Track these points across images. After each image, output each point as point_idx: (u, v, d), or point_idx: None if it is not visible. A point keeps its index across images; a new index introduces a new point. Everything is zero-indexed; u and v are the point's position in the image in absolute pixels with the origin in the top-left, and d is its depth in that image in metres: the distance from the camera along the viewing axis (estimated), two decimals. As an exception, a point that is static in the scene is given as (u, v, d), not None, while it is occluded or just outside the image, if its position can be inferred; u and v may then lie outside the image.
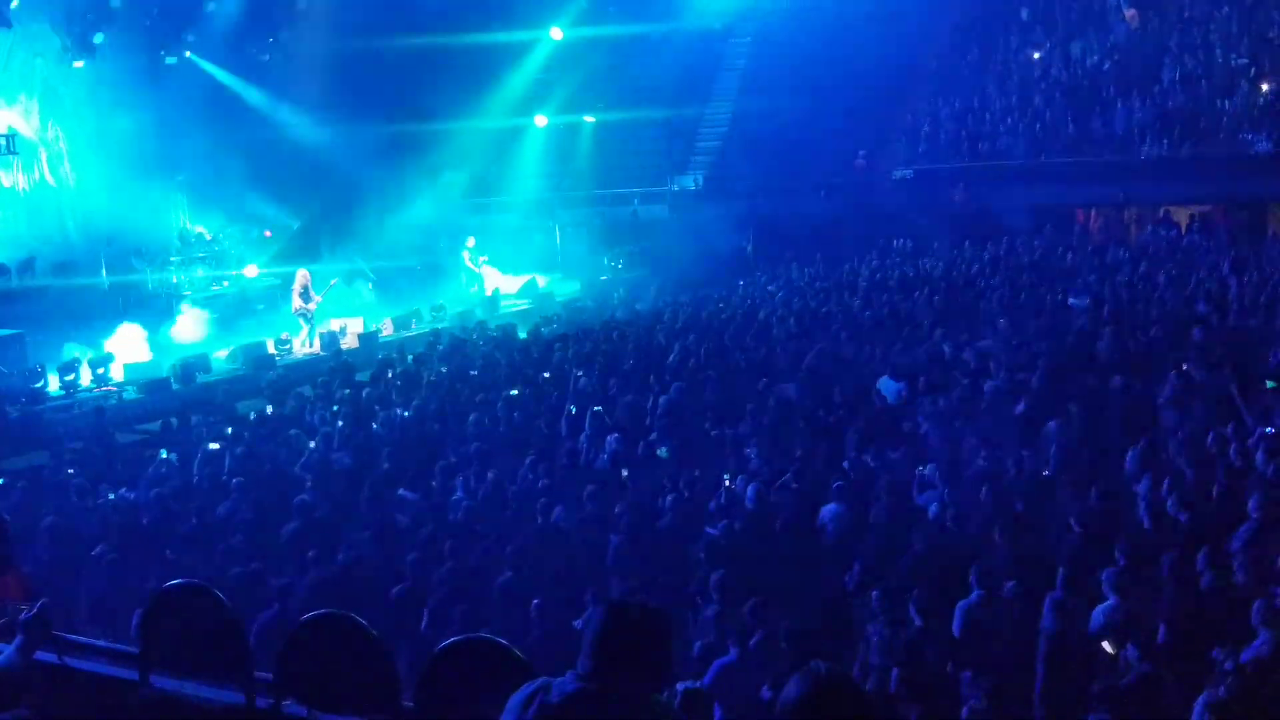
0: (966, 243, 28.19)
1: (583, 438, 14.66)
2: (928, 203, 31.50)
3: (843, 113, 33.14)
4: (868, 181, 32.94)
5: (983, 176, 31.84)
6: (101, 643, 4.62)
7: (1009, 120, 32.98)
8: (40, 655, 4.46)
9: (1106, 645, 8.29)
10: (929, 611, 8.95)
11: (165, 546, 11.47)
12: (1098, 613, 8.65)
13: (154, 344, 23.00)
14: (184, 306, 24.79)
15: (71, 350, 21.52)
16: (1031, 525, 10.41)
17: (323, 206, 28.64)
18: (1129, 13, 34.11)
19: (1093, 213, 30.80)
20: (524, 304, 28.52)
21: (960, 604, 9.05)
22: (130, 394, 20.45)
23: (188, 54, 28.47)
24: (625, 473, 13.25)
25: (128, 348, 22.41)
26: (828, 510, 11.24)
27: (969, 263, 25.39)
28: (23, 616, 4.50)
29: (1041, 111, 32.77)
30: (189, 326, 24.36)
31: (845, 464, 12.69)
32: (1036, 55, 35.17)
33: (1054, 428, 12.78)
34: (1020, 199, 30.73)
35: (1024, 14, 36.33)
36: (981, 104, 34.16)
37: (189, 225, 28.47)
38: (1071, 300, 19.76)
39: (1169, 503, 10.25)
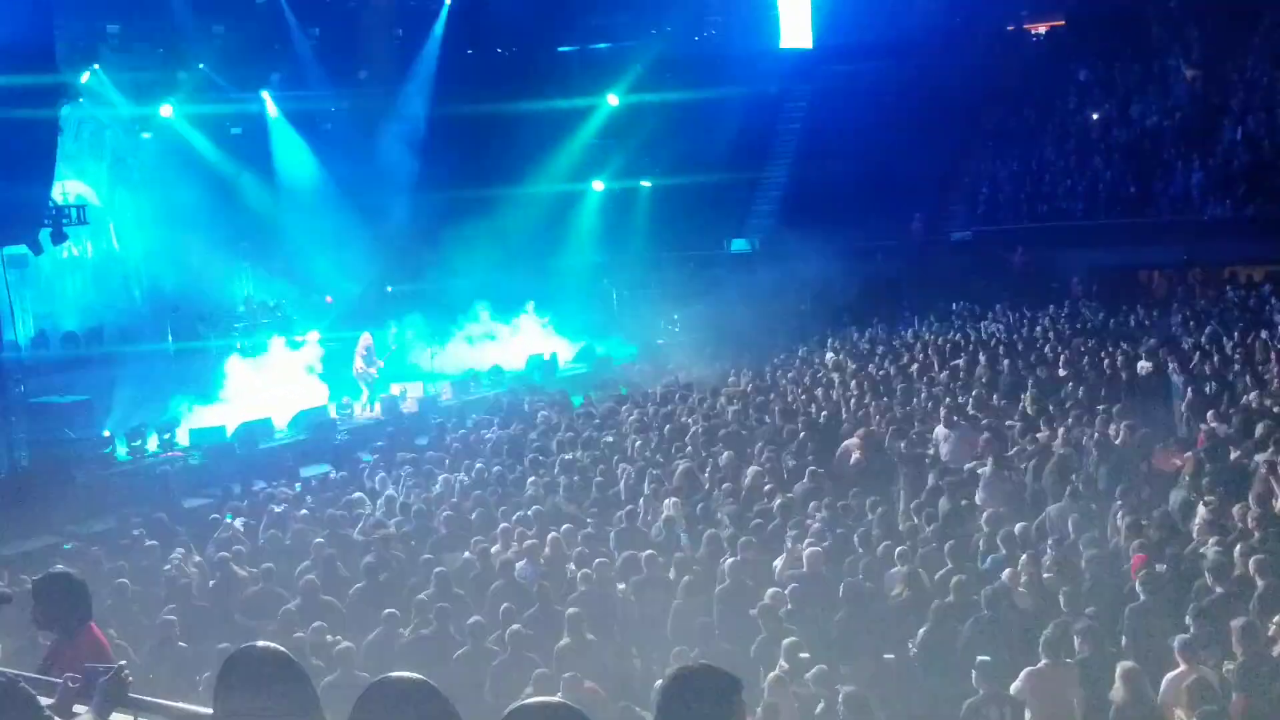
0: (1025, 306, 27.95)
1: (641, 501, 14.67)
2: (986, 265, 31.34)
3: (899, 175, 33.10)
4: (925, 244, 32.85)
5: (1042, 238, 31.62)
6: (176, 704, 4.67)
7: (1068, 181, 32.78)
8: (116, 716, 4.52)
9: (1179, 713, 8.14)
10: (993, 678, 8.84)
11: (230, 609, 11.57)
12: (1168, 680, 8.51)
13: (217, 410, 23.26)
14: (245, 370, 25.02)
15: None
16: (1099, 592, 10.25)
17: (384, 271, 28.92)
18: (1189, 72, 33.92)
19: (1155, 274, 30.48)
20: (582, 367, 28.59)
21: (1027, 669, 8.93)
22: (195, 459, 20.69)
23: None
24: (684, 537, 13.22)
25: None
26: (891, 574, 11.15)
27: (1030, 325, 25.17)
28: (101, 679, 4.56)
29: (1101, 172, 32.56)
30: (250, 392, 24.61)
31: (903, 526, 12.60)
32: (1095, 116, 34.98)
33: (1120, 494, 12.65)
34: (1080, 261, 30.50)
35: (1082, 75, 36.22)
36: (1040, 165, 34.00)
37: (252, 292, 28.88)
38: (1140, 364, 19.46)
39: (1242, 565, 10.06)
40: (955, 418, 16.31)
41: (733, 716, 3.62)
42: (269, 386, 24.03)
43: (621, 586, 11.59)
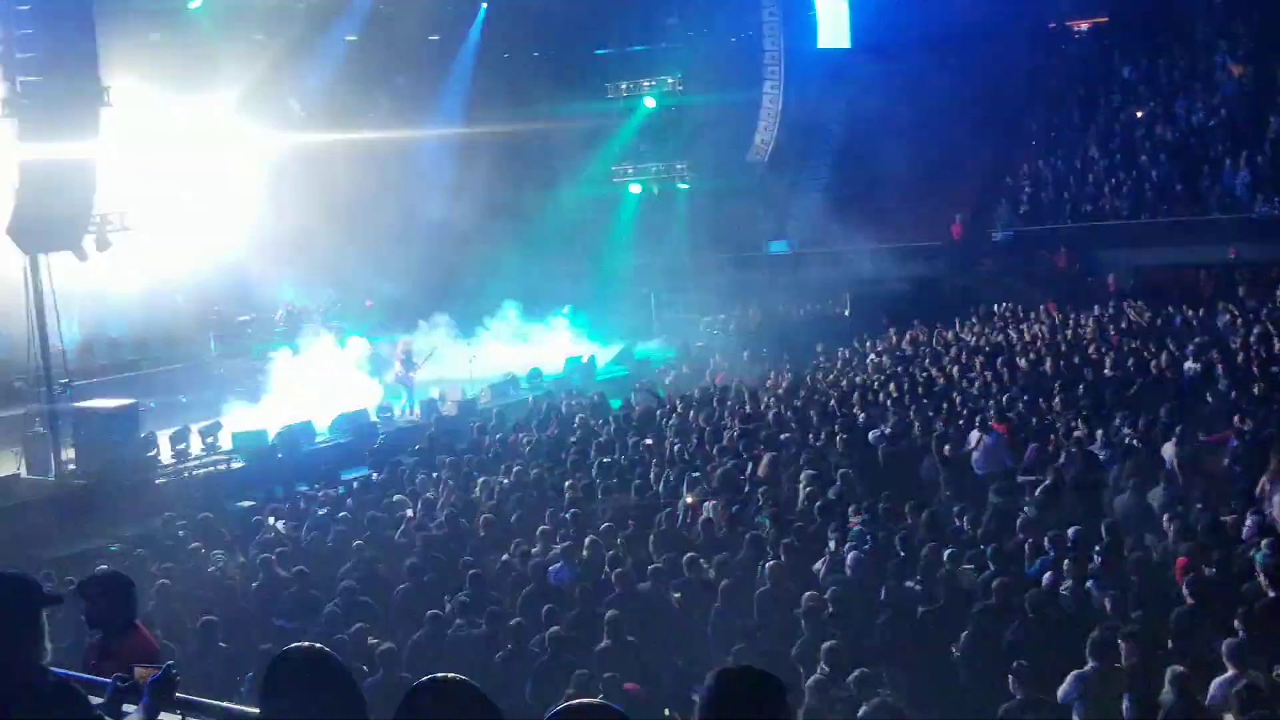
0: (1068, 306, 27.71)
1: (680, 504, 14.65)
2: (1029, 266, 31.11)
3: (941, 175, 32.91)
4: (967, 244, 32.64)
5: (1085, 238, 31.36)
6: (224, 704, 4.70)
7: (1112, 180, 32.45)
8: (164, 716, 4.56)
9: (1229, 718, 8.04)
10: (1029, 683, 8.75)
11: (273, 611, 11.64)
12: (1216, 685, 8.40)
13: (259, 413, 23.42)
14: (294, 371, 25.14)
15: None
16: (1143, 597, 10.14)
17: (424, 275, 29.03)
18: (1235, 68, 33.53)
19: (1202, 273, 30.12)
20: (620, 370, 28.59)
21: (1075, 673, 8.84)
22: (238, 462, 20.85)
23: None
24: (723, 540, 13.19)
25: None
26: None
27: (1074, 327, 24.94)
28: (150, 679, 4.60)
29: (1146, 170, 32.23)
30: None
31: (950, 530, 12.52)
32: (1140, 113, 34.64)
33: (1164, 494, 12.52)
34: (1125, 260, 30.22)
35: (1126, 71, 35.91)
36: (1084, 164, 33.70)
37: (293, 296, 29.05)
38: (1187, 365, 19.25)
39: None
40: (990, 422, 16.15)
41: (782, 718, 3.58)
42: (320, 387, 24.12)
43: (661, 589, 11.56)
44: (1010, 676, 8.78)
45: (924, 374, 21.19)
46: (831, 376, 22.81)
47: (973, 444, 15.69)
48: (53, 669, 4.56)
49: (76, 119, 19.39)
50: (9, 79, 19.26)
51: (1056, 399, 17.59)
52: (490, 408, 24.27)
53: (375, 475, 18.79)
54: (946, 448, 15.73)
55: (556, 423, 21.16)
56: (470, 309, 28.99)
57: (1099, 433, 15.44)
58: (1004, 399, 17.87)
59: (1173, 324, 24.14)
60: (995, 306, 28.90)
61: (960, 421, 17.09)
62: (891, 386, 19.98)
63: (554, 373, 27.27)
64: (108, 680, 4.91)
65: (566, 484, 15.80)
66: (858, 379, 21.84)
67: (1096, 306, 27.17)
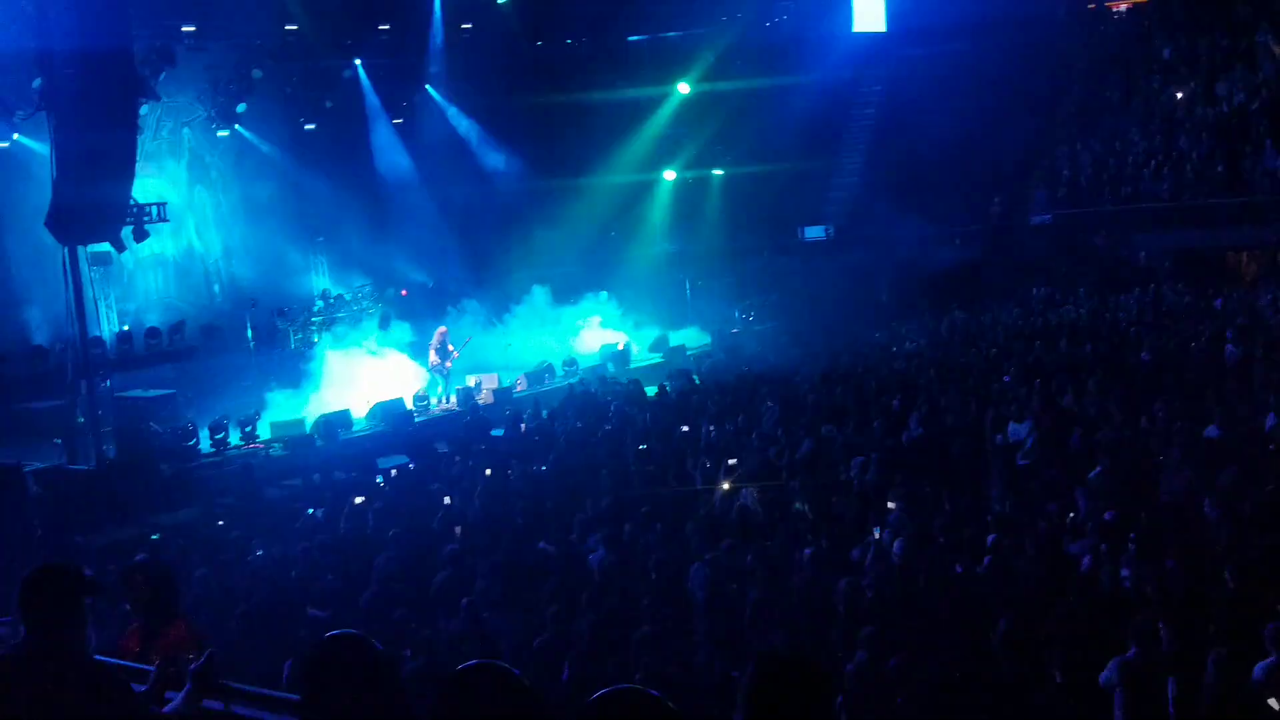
0: (1108, 290, 27.47)
1: (717, 491, 14.60)
2: (1068, 249, 30.84)
3: (978, 159, 32.64)
4: (1005, 228, 32.38)
5: (1125, 221, 31.05)
6: (265, 691, 4.70)
7: (1152, 162, 32.10)
8: (207, 703, 4.56)
9: (1272, 702, 7.94)
10: (1071, 668, 8.67)
11: (312, 599, 11.68)
12: (1259, 669, 8.30)
13: (297, 402, 23.53)
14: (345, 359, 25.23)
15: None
16: (1187, 581, 10.02)
17: (458, 263, 29.08)
18: (1277, 49, 33.05)
19: (1244, 256, 29.76)
20: (656, 357, 28.55)
21: (1117, 659, 8.75)
22: (276, 451, 20.96)
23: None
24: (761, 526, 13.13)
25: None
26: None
27: (1114, 310, 24.70)
28: (192, 666, 4.60)
29: (1186, 152, 31.86)
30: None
31: (990, 516, 12.41)
32: (1180, 94, 34.21)
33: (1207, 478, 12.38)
34: (1165, 243, 29.91)
35: (1166, 52, 35.46)
36: (1123, 146, 33.35)
37: (329, 286, 29.19)
38: (1229, 348, 19.02)
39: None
40: (1036, 409, 16.00)
41: (826, 705, 3.56)
42: (358, 375, 24.21)
43: (698, 576, 11.52)
44: (1050, 661, 8.71)
45: (963, 360, 21.04)
46: (870, 362, 22.63)
47: (1022, 434, 15.49)
48: (96, 656, 4.57)
49: (113, 110, 19.49)
50: (45, 72, 19.40)
51: (1092, 383, 17.42)
52: (526, 396, 24.31)
53: (412, 464, 18.86)
54: (996, 435, 15.57)
55: (592, 411, 21.14)
56: (503, 296, 28.97)
57: (1140, 416, 15.27)
58: (1049, 384, 17.62)
59: (1213, 307, 23.88)
60: (1034, 290, 28.70)
61: (999, 408, 16.93)
62: (932, 372, 19.83)
63: (589, 360, 27.24)
64: (150, 667, 4.92)
65: (603, 472, 15.79)
66: (896, 364, 21.68)
67: (1137, 290, 26.92)
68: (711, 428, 17.74)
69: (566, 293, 29.94)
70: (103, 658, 4.70)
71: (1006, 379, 18.21)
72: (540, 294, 29.53)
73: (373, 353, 25.19)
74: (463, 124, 33.05)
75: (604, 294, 30.96)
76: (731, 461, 15.38)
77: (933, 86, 33.96)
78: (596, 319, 29.83)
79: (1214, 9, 35.34)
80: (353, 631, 4.16)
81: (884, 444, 15.78)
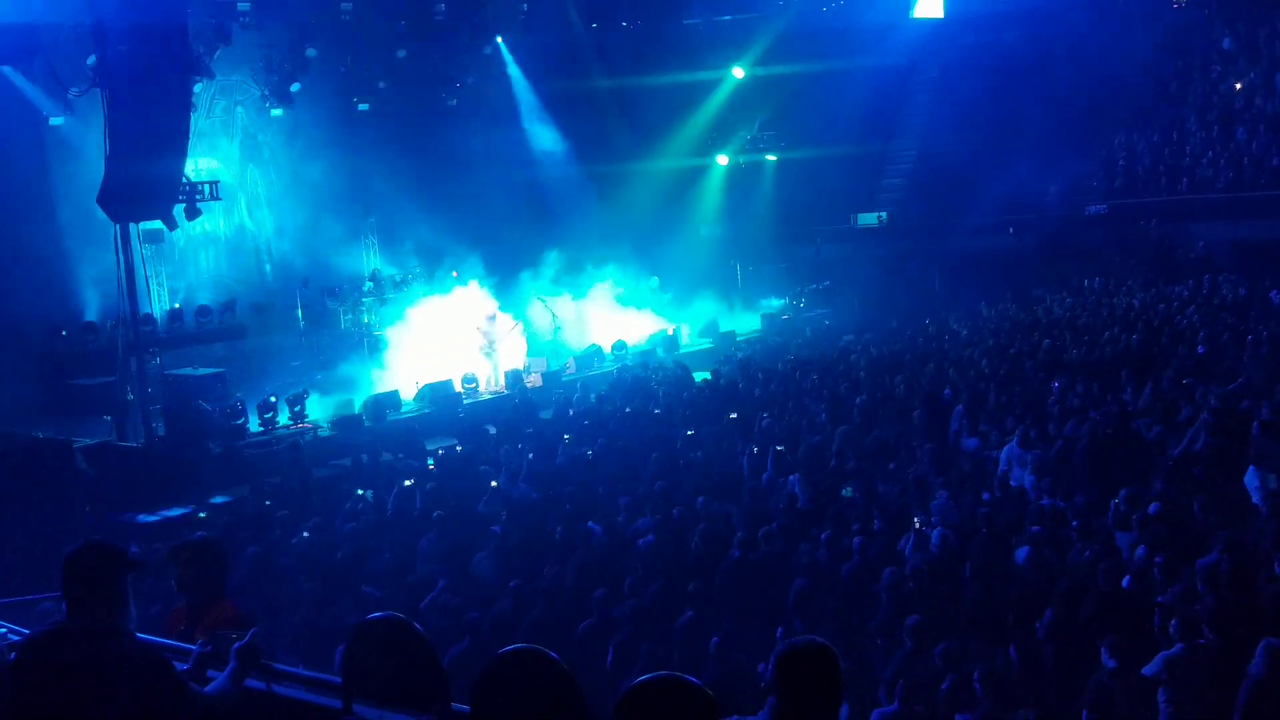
0: (1161, 281, 27.02)
1: (764, 477, 14.44)
2: (1123, 239, 30.39)
3: (1033, 147, 32.19)
4: (1060, 217, 31.94)
5: (1182, 211, 30.55)
6: (307, 672, 4.63)
7: (1210, 153, 31.59)
8: (249, 683, 4.49)
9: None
10: (1123, 653, 8.49)
11: (360, 580, 11.64)
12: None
13: (347, 382, 23.58)
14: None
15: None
16: (1234, 575, 9.78)
17: (511, 245, 29.01)
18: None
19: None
20: (706, 343, 28.41)
21: (1163, 654, 8.55)
22: (324, 431, 20.99)
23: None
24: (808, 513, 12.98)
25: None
26: (1020, 554, 10.80)
27: (1168, 301, 24.26)
28: (236, 645, 4.53)
29: (1245, 143, 31.31)
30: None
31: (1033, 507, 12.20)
32: (1239, 85, 33.62)
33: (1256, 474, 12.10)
34: (1222, 234, 29.39)
35: (1226, 43, 34.86)
36: (1181, 136, 32.83)
37: (380, 266, 29.25)
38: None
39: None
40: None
41: (839, 688, 3.82)
42: (411, 354, 24.26)
43: (745, 563, 11.37)
44: (1103, 649, 8.55)
45: (1013, 349, 20.70)
46: (921, 351, 22.35)
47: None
48: (139, 634, 4.50)
49: (168, 88, 19.54)
50: (100, 49, 19.47)
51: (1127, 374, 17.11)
52: (575, 379, 24.25)
53: (460, 445, 18.82)
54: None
55: (641, 395, 21.04)
56: (553, 280, 28.87)
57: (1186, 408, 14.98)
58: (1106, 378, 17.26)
59: (1270, 299, 23.39)
60: (1085, 281, 28.31)
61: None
62: (985, 363, 19.54)
63: (639, 345, 27.14)
64: (193, 646, 4.86)
65: (651, 456, 15.68)
66: (948, 353, 21.40)
67: (1192, 281, 26.46)
68: (764, 414, 17.58)
69: (618, 278, 29.73)
70: (146, 636, 4.63)
71: (1055, 385, 17.69)
72: (591, 279, 29.37)
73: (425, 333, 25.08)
74: (519, 106, 32.98)
75: (655, 279, 30.87)
76: (779, 448, 15.21)
77: (989, 74, 33.60)
78: (648, 303, 29.66)
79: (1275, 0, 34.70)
80: (394, 614, 4.15)
81: (929, 431, 15.60)
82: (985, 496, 12.93)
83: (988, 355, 20.20)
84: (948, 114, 34.91)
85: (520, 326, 25.53)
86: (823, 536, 11.63)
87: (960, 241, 30.46)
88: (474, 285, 26.21)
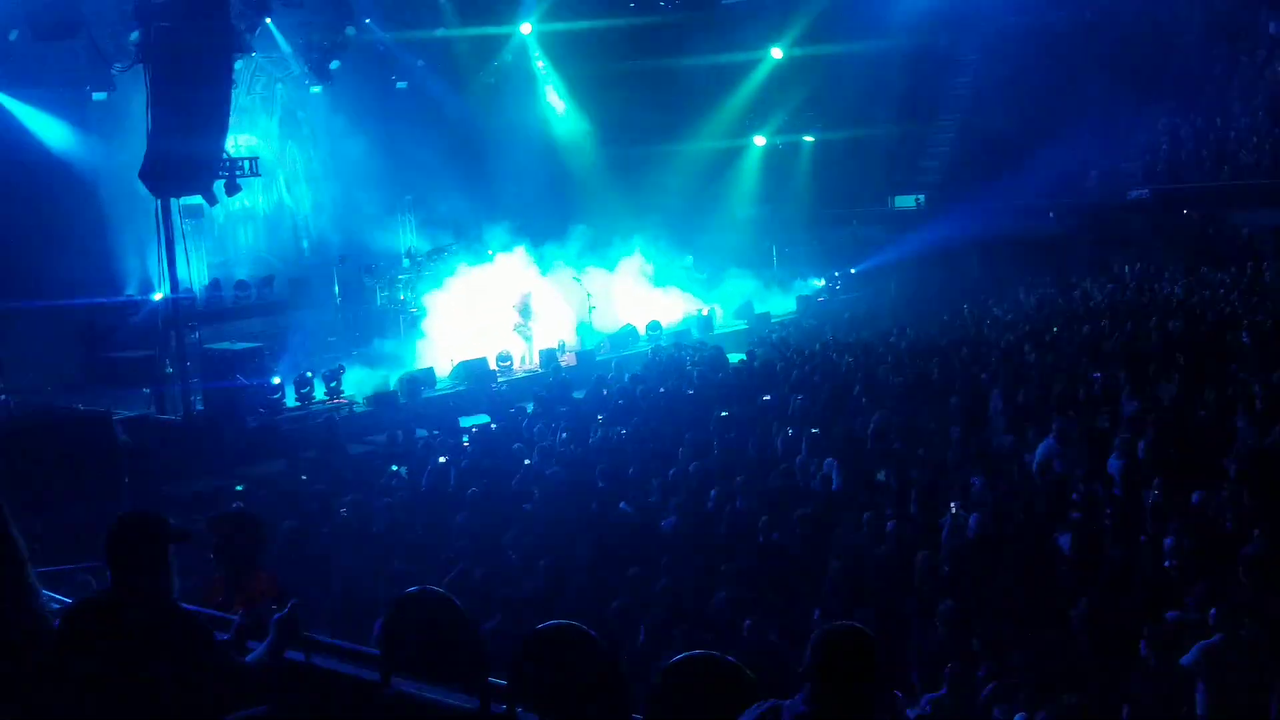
0: (1204, 267, 26.76)
1: (798, 460, 14.44)
2: (1165, 224, 30.12)
3: (1074, 130, 31.88)
4: (1100, 202, 31.66)
5: (1225, 197, 30.22)
6: (346, 644, 4.70)
7: (1254, 139, 31.21)
8: (288, 654, 4.56)
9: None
10: (1159, 645, 8.47)
11: (394, 555, 11.73)
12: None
13: (383, 358, 23.72)
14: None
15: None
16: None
17: (546, 226, 29.02)
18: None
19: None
20: (741, 324, 28.38)
21: (1200, 644, 8.52)
22: (360, 407, 21.13)
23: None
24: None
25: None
26: (1061, 540, 10.78)
27: (1210, 287, 24.04)
28: (275, 617, 4.60)
29: (1289, 129, 30.95)
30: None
31: (1075, 496, 12.14)
32: (1284, 70, 33.21)
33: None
34: (1266, 220, 29.06)
35: (1272, 27, 34.37)
36: (1225, 121, 32.45)
37: (416, 243, 29.34)
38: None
39: None
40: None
41: (872, 674, 3.84)
42: (445, 331, 24.40)
43: (779, 545, 11.41)
44: (1143, 640, 8.52)
45: (1049, 335, 20.56)
46: (958, 335, 22.24)
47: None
48: (183, 604, 4.59)
49: (209, 64, 19.65)
50: (143, 25, 19.59)
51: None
52: (609, 359, 24.29)
53: (494, 423, 18.91)
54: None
55: (675, 376, 21.06)
56: (589, 259, 28.87)
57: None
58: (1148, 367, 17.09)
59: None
60: (1127, 267, 28.08)
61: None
62: (1027, 348, 19.41)
63: (673, 325, 27.14)
64: (233, 617, 4.94)
65: (686, 437, 15.70)
66: (987, 337, 21.28)
67: (1234, 268, 26.21)
68: (799, 396, 17.55)
69: (654, 258, 29.68)
70: (187, 606, 4.70)
71: (1096, 376, 17.46)
72: (626, 258, 29.33)
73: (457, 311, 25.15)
74: (555, 87, 32.97)
75: (690, 258, 30.84)
76: (814, 430, 15.20)
77: (1030, 56, 33.29)
78: (683, 283, 29.62)
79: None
80: (432, 588, 4.20)
81: (968, 416, 15.54)
82: (1021, 482, 12.88)
83: (1028, 340, 20.06)
84: (988, 95, 34.65)
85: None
86: (864, 518, 11.66)
87: (999, 225, 30.25)
88: (520, 251, 26.31)
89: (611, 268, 28.66)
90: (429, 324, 24.91)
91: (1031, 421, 14.91)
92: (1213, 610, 8.61)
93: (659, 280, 29.31)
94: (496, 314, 24.46)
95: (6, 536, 4.41)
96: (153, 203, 19.94)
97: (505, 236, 27.31)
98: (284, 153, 28.60)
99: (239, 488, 15.89)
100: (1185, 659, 8.50)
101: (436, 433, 18.28)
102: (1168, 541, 10.30)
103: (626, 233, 29.87)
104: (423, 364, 22.96)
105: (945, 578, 10.21)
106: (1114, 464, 12.98)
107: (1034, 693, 8.10)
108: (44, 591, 4.57)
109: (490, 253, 26.89)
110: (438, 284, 25.88)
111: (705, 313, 28.03)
